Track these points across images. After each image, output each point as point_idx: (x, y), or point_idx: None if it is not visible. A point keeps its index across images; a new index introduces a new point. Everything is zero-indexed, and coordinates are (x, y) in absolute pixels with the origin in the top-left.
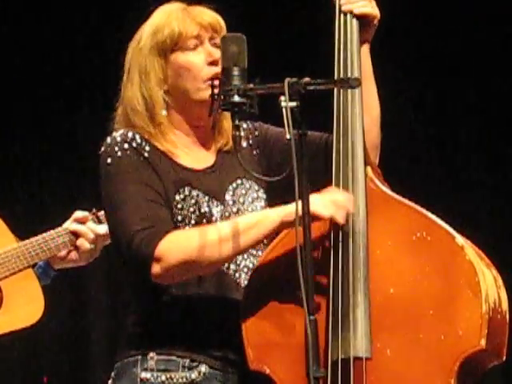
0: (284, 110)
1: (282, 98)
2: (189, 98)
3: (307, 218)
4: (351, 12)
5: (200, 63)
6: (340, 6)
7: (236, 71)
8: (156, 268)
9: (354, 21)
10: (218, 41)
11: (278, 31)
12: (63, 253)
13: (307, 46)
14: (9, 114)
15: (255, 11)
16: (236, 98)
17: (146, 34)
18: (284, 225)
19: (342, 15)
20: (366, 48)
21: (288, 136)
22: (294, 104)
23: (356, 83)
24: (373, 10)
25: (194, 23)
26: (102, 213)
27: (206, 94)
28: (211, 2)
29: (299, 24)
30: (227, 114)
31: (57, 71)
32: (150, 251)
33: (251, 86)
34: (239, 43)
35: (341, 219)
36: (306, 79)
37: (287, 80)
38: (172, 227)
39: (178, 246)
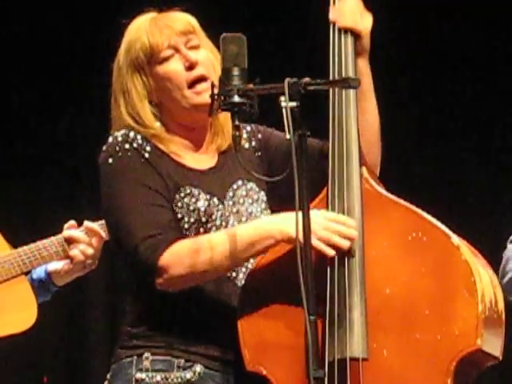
0: (284, 110)
1: (282, 98)
2: (177, 106)
3: (307, 219)
4: (336, 23)
5: (179, 70)
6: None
7: (236, 71)
8: (159, 279)
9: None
10: (194, 42)
11: (277, 31)
12: (58, 266)
13: (307, 45)
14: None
15: (255, 11)
16: (236, 98)
17: (121, 52)
18: (284, 241)
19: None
20: (362, 61)
21: (288, 136)
22: (294, 104)
23: (356, 83)
24: (358, 24)
25: (164, 34)
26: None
27: (193, 99)
28: (184, 3)
29: (299, 23)
30: (222, 114)
31: (53, 75)
32: (153, 263)
33: (251, 86)
34: (239, 43)
35: (328, 250)
36: (306, 79)
37: (287, 80)
38: (177, 231)
39: (180, 259)
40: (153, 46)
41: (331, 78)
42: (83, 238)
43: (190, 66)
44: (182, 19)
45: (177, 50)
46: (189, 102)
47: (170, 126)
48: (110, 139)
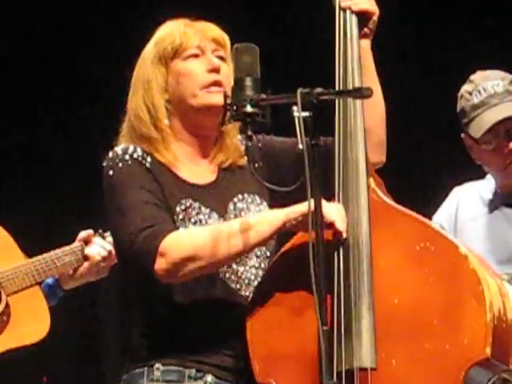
0: (296, 120)
1: (295, 108)
2: (186, 104)
3: (320, 229)
4: (349, 9)
5: (199, 70)
6: (339, 3)
7: (248, 81)
8: (161, 263)
9: (354, 17)
10: (221, 53)
11: (290, 42)
12: (71, 271)
13: (320, 56)
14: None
15: (267, 21)
16: (248, 108)
17: (149, 46)
18: (290, 224)
19: (341, 12)
20: (366, 43)
21: (301, 146)
22: (306, 114)
23: (368, 93)
24: (371, 6)
25: (196, 35)
26: (108, 233)
27: (202, 100)
28: (218, 19)
29: (312, 34)
30: (231, 132)
31: (66, 77)
32: (154, 246)
33: (264, 96)
34: (252, 53)
35: (342, 227)
36: (318, 89)
37: (299, 90)
38: (175, 228)
39: (183, 241)
40: (182, 42)
41: (336, 60)
42: (98, 240)
43: (212, 70)
44: (217, 30)
45: (203, 53)
46: (198, 101)
47: (176, 129)
48: (110, 154)
